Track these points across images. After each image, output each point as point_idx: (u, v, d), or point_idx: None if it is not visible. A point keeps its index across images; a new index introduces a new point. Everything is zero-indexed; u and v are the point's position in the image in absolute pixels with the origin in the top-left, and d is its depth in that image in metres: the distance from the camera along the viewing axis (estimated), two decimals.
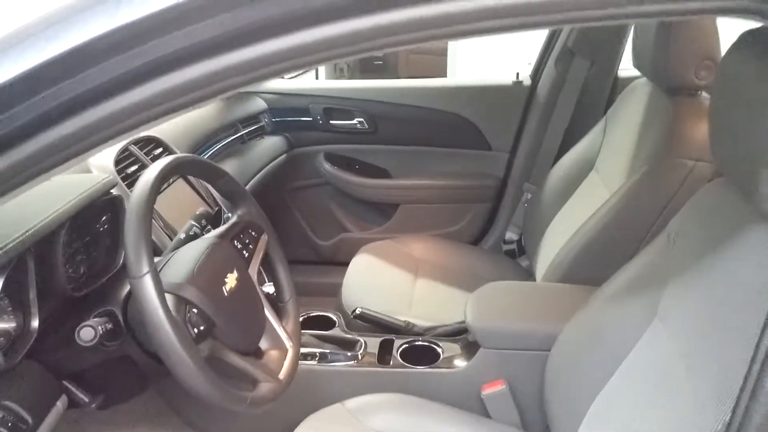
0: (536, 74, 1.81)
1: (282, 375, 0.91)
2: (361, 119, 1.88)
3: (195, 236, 1.01)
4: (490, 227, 1.93)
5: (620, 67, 1.78)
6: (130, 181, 1.14)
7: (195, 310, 0.81)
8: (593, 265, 1.27)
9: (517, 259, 1.82)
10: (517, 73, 1.84)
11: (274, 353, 0.93)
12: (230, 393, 0.78)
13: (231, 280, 0.88)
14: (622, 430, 0.86)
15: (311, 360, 1.24)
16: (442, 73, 3.98)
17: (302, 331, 1.33)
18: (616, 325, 0.98)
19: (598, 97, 1.76)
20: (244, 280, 0.91)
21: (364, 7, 0.47)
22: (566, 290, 1.29)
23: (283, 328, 0.98)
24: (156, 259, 0.89)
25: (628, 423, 0.85)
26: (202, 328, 0.81)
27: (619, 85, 1.73)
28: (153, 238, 1.12)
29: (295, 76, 2.03)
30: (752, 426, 0.52)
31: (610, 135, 1.51)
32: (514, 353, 1.18)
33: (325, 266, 1.97)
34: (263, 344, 0.93)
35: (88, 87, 0.48)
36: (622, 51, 1.74)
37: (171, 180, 1.22)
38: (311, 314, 1.40)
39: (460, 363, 1.22)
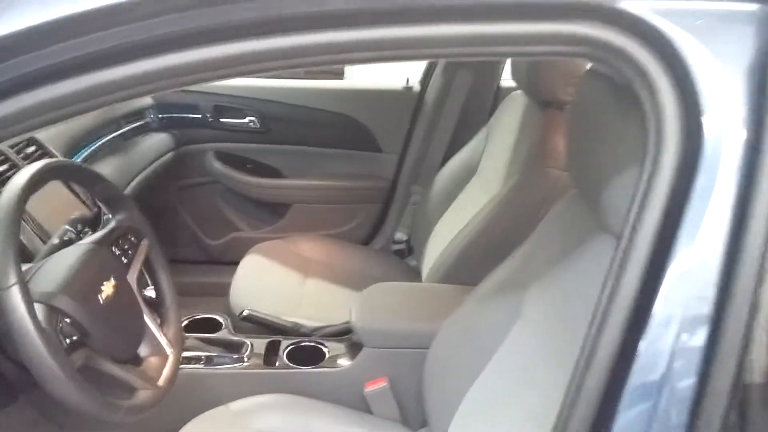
0: (425, 81, 1.89)
1: (161, 381, 0.90)
2: (253, 118, 1.87)
3: (70, 241, 0.97)
4: (380, 228, 1.98)
5: (504, 77, 1.89)
6: (1, 183, 1.08)
7: (68, 320, 0.79)
8: (472, 267, 1.35)
9: (405, 258, 1.89)
10: (407, 79, 1.91)
11: (153, 360, 0.93)
12: (104, 403, 0.77)
13: (108, 288, 0.86)
14: (489, 422, 0.93)
15: (196, 363, 1.24)
16: (340, 73, 4.01)
17: (188, 334, 1.32)
18: (486, 325, 1.05)
19: (481, 105, 1.86)
20: (122, 287, 0.90)
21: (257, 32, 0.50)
22: (446, 291, 1.36)
23: (164, 334, 0.97)
24: (26, 266, 0.86)
25: (494, 416, 0.93)
26: (75, 338, 0.79)
27: (501, 95, 1.84)
28: (24, 241, 1.07)
29: None
30: None
31: (491, 143, 1.61)
32: (395, 352, 1.24)
33: (215, 266, 1.95)
34: (142, 351, 0.92)
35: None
36: (503, 64, 1.84)
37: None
38: (197, 317, 1.39)
39: (344, 362, 1.26)
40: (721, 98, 0.52)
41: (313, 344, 1.32)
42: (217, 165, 1.90)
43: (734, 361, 0.51)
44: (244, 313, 1.37)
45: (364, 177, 1.95)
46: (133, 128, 1.74)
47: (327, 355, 1.28)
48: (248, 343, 1.29)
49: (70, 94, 0.51)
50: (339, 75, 3.51)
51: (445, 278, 1.40)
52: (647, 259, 0.54)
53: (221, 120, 1.87)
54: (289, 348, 1.30)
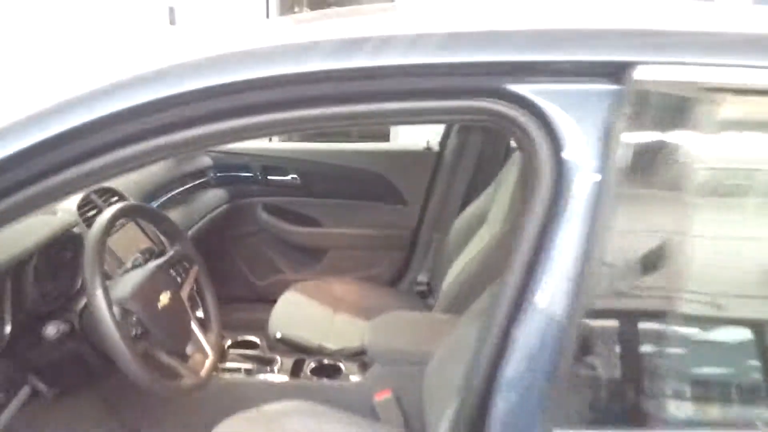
0: (443, 142, 2.16)
1: (203, 373, 1.17)
2: (295, 175, 2.19)
3: (139, 266, 1.27)
4: (405, 271, 2.22)
5: None
6: (90, 222, 1.40)
7: (135, 318, 1.07)
8: (471, 297, 1.56)
9: (427, 298, 2.11)
10: (428, 141, 2.19)
11: (197, 356, 1.19)
12: (157, 380, 1.04)
13: (164, 299, 1.14)
14: None
15: (236, 373, 1.49)
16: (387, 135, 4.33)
17: (231, 350, 1.58)
18: (470, 344, 1.26)
19: (493, 162, 2.10)
20: (175, 299, 1.18)
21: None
22: (447, 318, 1.58)
23: (207, 339, 1.24)
24: (107, 282, 1.16)
25: None
26: (140, 331, 1.07)
27: (510, 153, 2.08)
28: (105, 267, 1.38)
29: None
30: None
31: (498, 193, 1.84)
32: (400, 368, 1.45)
33: (261, 303, 2.22)
34: (189, 349, 1.19)
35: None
36: None
37: (124, 222, 1.49)
38: (239, 339, 1.66)
39: (356, 377, 1.49)
40: (579, 149, 0.74)
41: (333, 363, 1.55)
42: (264, 216, 2.21)
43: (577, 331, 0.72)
44: (278, 335, 1.63)
45: (391, 226, 2.21)
46: (195, 185, 2.08)
47: (343, 371, 1.51)
48: (279, 359, 1.54)
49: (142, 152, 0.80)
50: (386, 137, 3.84)
51: (449, 308, 1.61)
52: (527, 261, 0.75)
53: (268, 177, 2.20)
54: (313, 365, 1.54)
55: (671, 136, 0.73)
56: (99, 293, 1.00)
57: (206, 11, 4.03)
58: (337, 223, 2.23)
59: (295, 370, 1.52)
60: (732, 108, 0.75)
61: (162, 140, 0.78)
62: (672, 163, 0.72)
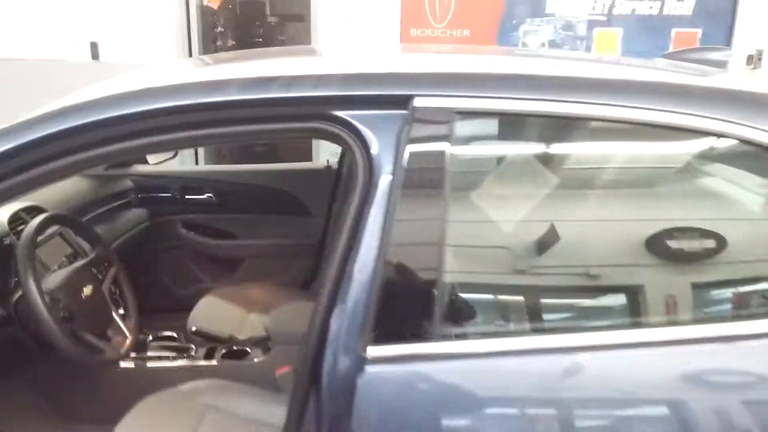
0: (341, 160, 2.47)
1: (122, 350, 1.42)
2: (211, 194, 2.46)
3: (65, 266, 1.52)
4: (313, 276, 2.51)
5: None
6: (19, 235, 1.63)
7: (62, 304, 1.32)
8: None
9: None
10: (327, 160, 2.51)
11: (118, 338, 1.45)
12: (83, 352, 1.29)
13: (87, 291, 1.40)
14: None
15: (156, 360, 1.74)
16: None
17: (152, 343, 1.83)
18: None
19: None
20: (97, 292, 1.43)
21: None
22: None
23: (126, 325, 1.49)
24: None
25: None
26: (67, 314, 1.32)
27: None
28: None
29: (159, 162, 2.57)
30: None
31: None
32: (297, 348, 1.73)
33: (183, 311, 2.46)
34: (110, 333, 1.45)
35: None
36: None
37: (50, 235, 1.72)
38: (160, 334, 1.91)
39: (261, 358, 1.76)
40: (380, 156, 1.06)
41: (241, 348, 1.82)
42: (183, 231, 2.46)
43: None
44: (193, 329, 1.88)
45: (299, 236, 2.50)
46: (118, 205, 2.31)
47: (250, 354, 1.79)
48: (194, 348, 1.80)
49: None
50: (309, 158, 4.13)
51: None
52: (350, 231, 1.05)
53: (186, 197, 2.45)
54: (224, 351, 1.80)
55: (437, 146, 1.07)
56: (31, 282, 1.25)
57: (128, 46, 4.23)
58: (251, 236, 2.50)
59: (208, 356, 1.78)
60: (477, 125, 1.10)
61: (96, 152, 1.07)
62: (437, 165, 1.06)
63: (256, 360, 1.76)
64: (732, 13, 4.37)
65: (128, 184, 2.41)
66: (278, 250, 2.48)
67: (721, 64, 1.59)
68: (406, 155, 1.05)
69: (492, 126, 1.13)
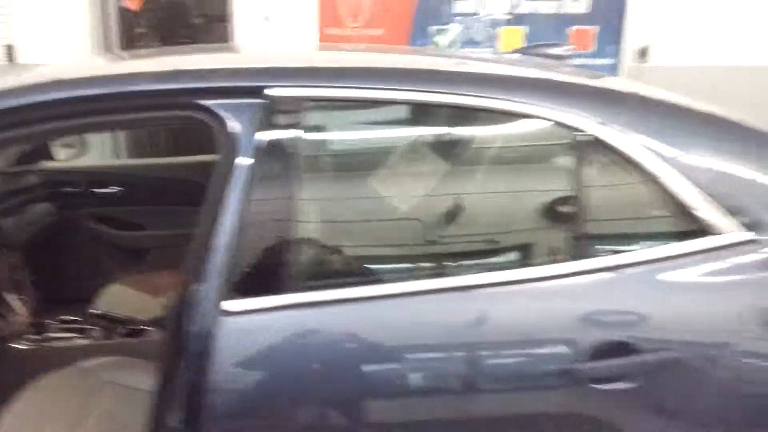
0: None
1: (17, 326, 1.53)
2: (119, 187, 2.55)
3: None
4: None
5: None
6: None
7: None
8: None
9: None
10: None
11: (11, 318, 1.55)
12: None
13: None
14: None
15: (58, 341, 1.85)
16: None
17: (52, 325, 1.93)
18: None
19: None
20: None
21: None
22: None
23: (21, 310, 1.60)
24: None
25: None
26: None
27: None
28: None
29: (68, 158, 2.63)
30: None
31: None
32: None
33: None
34: (4, 310, 1.55)
35: None
36: None
37: None
38: (63, 317, 2.01)
39: (157, 335, 1.89)
40: (239, 139, 1.22)
41: (140, 328, 1.94)
42: (92, 224, 2.55)
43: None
44: (95, 311, 1.99)
45: None
46: (26, 199, 2.38)
47: (148, 332, 1.91)
48: (96, 329, 1.91)
49: None
50: None
51: None
52: (216, 199, 1.21)
53: (94, 190, 2.54)
54: (124, 331, 1.92)
55: (286, 130, 1.24)
56: None
57: (44, 48, 4.23)
58: (159, 227, 2.60)
59: (109, 336, 1.89)
60: (321, 112, 1.28)
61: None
62: (286, 147, 1.23)
63: (154, 337, 1.88)
64: (622, 11, 4.72)
65: (36, 179, 2.47)
66: (185, 240, 2.58)
67: (562, 58, 1.82)
68: (259, 139, 1.22)
69: (333, 112, 1.31)
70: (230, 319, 1.17)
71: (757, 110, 4.65)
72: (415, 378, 1.21)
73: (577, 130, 1.29)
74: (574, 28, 4.73)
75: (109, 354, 1.81)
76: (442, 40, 4.61)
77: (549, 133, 1.34)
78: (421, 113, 1.33)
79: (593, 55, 4.80)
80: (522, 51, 1.93)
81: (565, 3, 4.68)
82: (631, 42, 4.74)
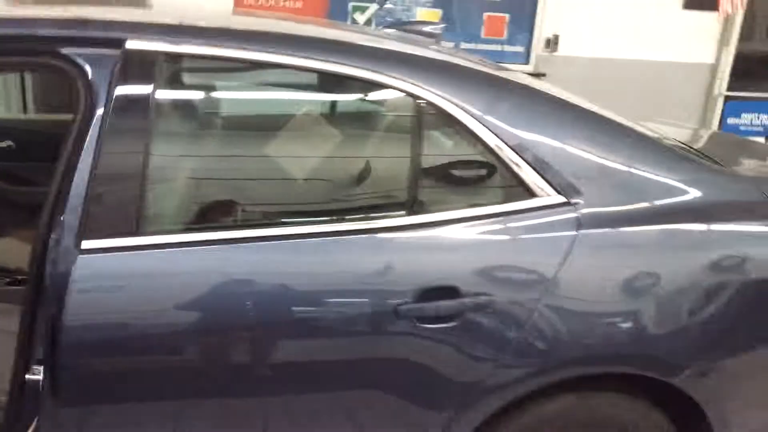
0: None
1: None
2: (10, 142, 2.55)
3: None
4: None
5: None
6: None
7: None
8: None
9: None
10: None
11: None
12: None
13: None
14: None
15: None
16: None
17: None
18: None
19: None
20: None
21: None
22: None
23: None
24: None
25: None
26: None
27: None
28: None
29: None
30: None
31: None
32: None
33: None
34: None
35: None
36: None
37: None
38: None
39: None
40: (98, 88, 1.30)
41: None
42: None
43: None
44: None
45: None
46: None
47: None
48: None
49: None
50: None
51: None
52: (73, 143, 1.28)
53: None
54: (8, 280, 1.97)
55: (142, 83, 1.33)
56: None
57: None
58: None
59: None
60: (181, 68, 1.37)
61: None
62: (141, 97, 1.32)
63: None
64: (533, 1, 4.94)
65: None
66: None
67: (433, 36, 1.97)
68: (115, 90, 1.30)
69: (192, 70, 1.41)
70: (86, 258, 1.26)
71: (650, 100, 5.02)
72: (254, 318, 1.32)
73: (421, 99, 1.43)
74: (488, 14, 4.93)
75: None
76: (360, 17, 4.72)
77: (399, 102, 1.48)
78: (274, 75, 1.44)
79: (504, 42, 5.02)
80: (397, 27, 2.07)
81: None
82: (541, 31, 4.98)
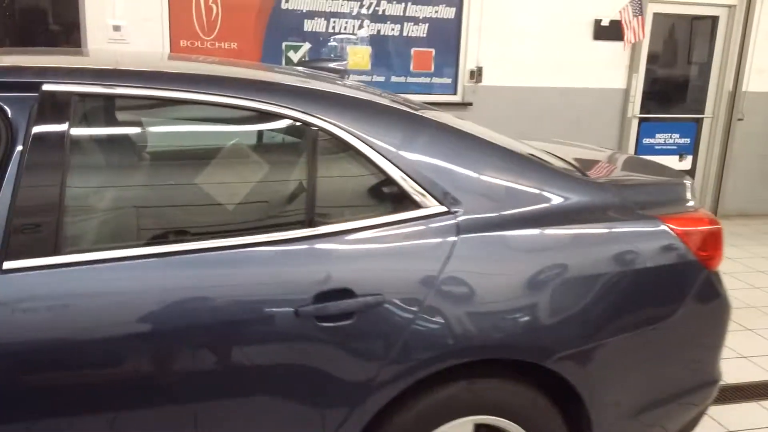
0: None
1: None
2: None
3: None
4: None
5: None
6: None
7: None
8: None
9: None
10: None
11: None
12: None
13: None
14: None
15: None
16: None
17: None
18: None
19: None
20: None
21: None
22: None
23: None
24: None
25: None
26: None
27: None
28: None
29: None
30: None
31: None
32: None
33: None
34: None
35: None
36: None
37: None
38: None
39: None
40: (17, 130, 1.45)
41: None
42: None
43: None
44: None
45: None
46: None
47: None
48: None
49: None
50: None
51: None
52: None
53: None
54: None
55: (57, 121, 1.49)
56: None
57: None
58: None
59: None
60: (90, 106, 1.54)
61: None
62: (55, 134, 1.48)
63: None
64: (457, 36, 5.29)
65: None
66: None
67: (337, 72, 2.19)
68: (33, 128, 1.46)
69: (101, 107, 1.58)
70: (6, 276, 1.40)
71: (570, 124, 5.41)
72: (162, 328, 1.47)
73: (316, 127, 1.64)
74: (415, 49, 5.24)
75: None
76: (293, 56, 4.96)
77: (296, 130, 1.68)
78: (177, 110, 1.62)
79: (432, 75, 5.33)
80: (305, 64, 2.28)
81: (406, 26, 5.18)
82: (466, 63, 5.31)
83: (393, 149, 1.68)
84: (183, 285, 1.48)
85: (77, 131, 1.52)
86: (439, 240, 1.65)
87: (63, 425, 1.44)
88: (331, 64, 2.20)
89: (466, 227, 1.67)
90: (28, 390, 1.42)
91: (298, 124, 1.65)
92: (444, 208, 1.68)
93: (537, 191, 1.76)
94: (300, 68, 2.19)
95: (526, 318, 1.67)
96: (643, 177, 2.17)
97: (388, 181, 1.66)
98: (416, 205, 1.67)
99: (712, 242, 1.93)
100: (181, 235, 1.55)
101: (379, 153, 1.66)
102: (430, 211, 1.67)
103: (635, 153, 6.00)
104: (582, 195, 1.81)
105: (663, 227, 1.84)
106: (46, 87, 1.48)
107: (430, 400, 1.68)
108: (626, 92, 5.78)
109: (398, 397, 1.64)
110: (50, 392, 1.43)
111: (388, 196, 1.68)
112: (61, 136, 1.47)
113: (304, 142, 1.67)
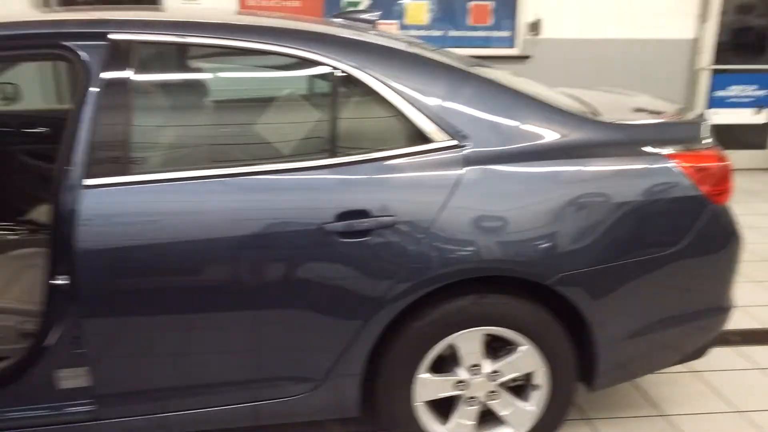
0: None
1: None
2: (47, 128, 3.08)
3: None
4: None
5: None
6: None
7: None
8: None
9: None
10: None
11: None
12: None
13: None
14: None
15: None
16: None
17: None
18: None
19: None
20: None
21: None
22: None
23: None
24: None
25: None
26: None
27: None
28: None
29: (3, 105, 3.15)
30: None
31: None
32: None
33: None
34: None
35: None
36: None
37: None
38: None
39: None
40: (90, 74, 1.78)
41: None
42: (27, 159, 3.08)
43: None
44: (21, 218, 2.56)
45: None
46: None
47: None
48: (23, 230, 2.48)
49: None
50: None
51: None
52: (71, 122, 1.77)
53: (25, 130, 3.07)
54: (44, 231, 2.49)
55: (123, 67, 1.80)
56: None
57: None
58: None
59: (33, 234, 2.46)
60: (153, 54, 1.85)
61: None
62: (124, 79, 1.79)
63: None
64: None
65: None
66: None
67: (370, 23, 2.40)
68: (104, 72, 1.78)
69: (166, 55, 1.89)
70: (89, 192, 1.75)
71: (633, 77, 5.35)
72: (215, 243, 1.79)
73: (339, 70, 1.88)
74: (473, 3, 5.31)
75: (32, 247, 2.38)
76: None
77: (322, 72, 1.93)
78: (227, 56, 1.91)
79: (490, 29, 5.39)
80: (340, 15, 2.51)
81: None
82: (524, 16, 5.33)
83: (409, 91, 1.89)
84: (230, 200, 1.79)
85: (141, 75, 1.83)
86: (449, 170, 1.87)
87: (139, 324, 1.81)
88: (363, 15, 2.42)
89: (473, 159, 1.87)
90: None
91: (324, 67, 1.89)
92: (455, 142, 1.88)
93: (539, 129, 1.93)
94: (336, 20, 2.42)
95: (526, 241, 1.86)
96: (656, 118, 2.27)
97: (404, 118, 1.88)
98: (428, 140, 1.88)
99: (720, 178, 2.03)
100: (229, 160, 1.86)
101: (397, 93, 1.88)
102: (441, 145, 1.88)
103: (707, 107, 5.83)
104: (584, 133, 1.97)
105: (667, 164, 1.97)
106: (111, 36, 1.80)
107: (441, 311, 1.93)
108: (695, 42, 5.61)
109: (416, 307, 1.90)
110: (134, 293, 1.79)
111: (403, 132, 1.91)
112: (127, 79, 1.79)
113: (329, 83, 1.92)
